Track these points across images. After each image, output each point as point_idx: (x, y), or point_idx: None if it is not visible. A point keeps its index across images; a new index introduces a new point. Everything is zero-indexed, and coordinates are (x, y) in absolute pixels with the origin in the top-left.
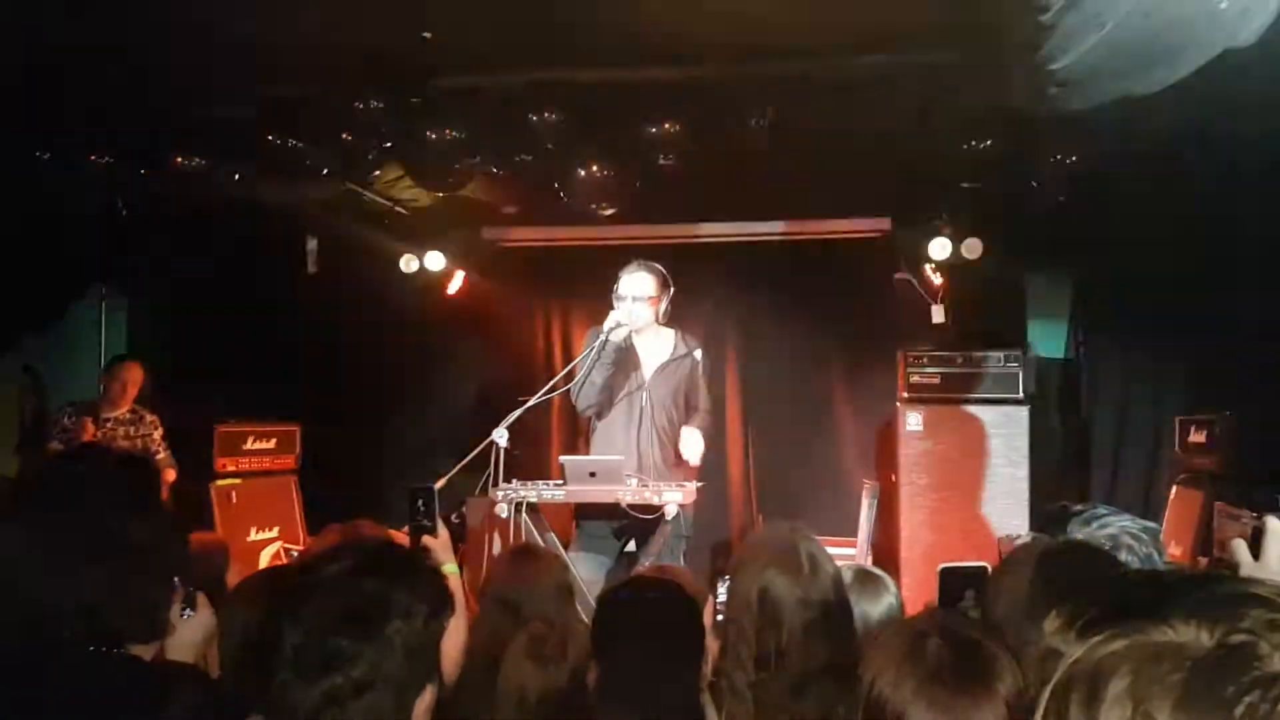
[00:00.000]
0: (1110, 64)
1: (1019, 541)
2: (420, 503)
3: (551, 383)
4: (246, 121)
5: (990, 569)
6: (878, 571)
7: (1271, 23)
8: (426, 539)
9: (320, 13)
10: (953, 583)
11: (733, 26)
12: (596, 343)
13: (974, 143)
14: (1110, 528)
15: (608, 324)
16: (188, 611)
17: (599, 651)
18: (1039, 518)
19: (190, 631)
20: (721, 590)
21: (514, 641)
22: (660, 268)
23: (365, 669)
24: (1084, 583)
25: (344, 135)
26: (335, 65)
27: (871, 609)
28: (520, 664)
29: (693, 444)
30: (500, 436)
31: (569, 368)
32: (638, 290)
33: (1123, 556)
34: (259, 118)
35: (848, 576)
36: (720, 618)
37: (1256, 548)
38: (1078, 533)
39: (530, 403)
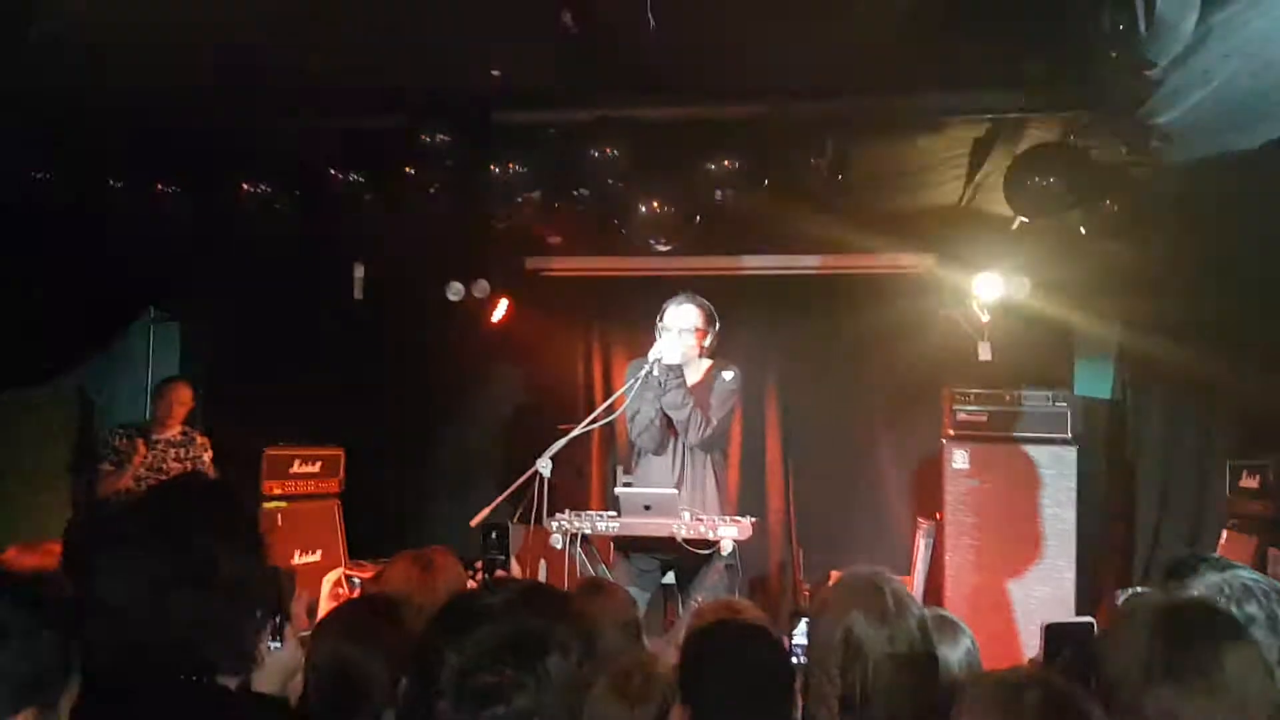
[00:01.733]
0: (1215, 120)
1: (1126, 596)
2: (494, 535)
3: (593, 414)
4: (310, 152)
5: (1095, 625)
6: (952, 616)
7: None
8: (500, 574)
9: (387, 47)
10: (1057, 638)
11: (798, 64)
12: (639, 375)
13: (1039, 179)
14: (1244, 577)
15: (651, 355)
16: (275, 644)
17: (687, 692)
18: (1167, 563)
19: (276, 663)
20: (798, 632)
21: (598, 681)
22: (706, 301)
23: (527, 700)
24: (1207, 652)
25: (407, 168)
26: (400, 99)
27: (951, 653)
28: (606, 703)
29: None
30: (544, 466)
31: (611, 399)
32: (685, 321)
33: (1251, 609)
34: (321, 150)
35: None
36: (800, 659)
37: None
38: (1212, 577)
39: (574, 433)
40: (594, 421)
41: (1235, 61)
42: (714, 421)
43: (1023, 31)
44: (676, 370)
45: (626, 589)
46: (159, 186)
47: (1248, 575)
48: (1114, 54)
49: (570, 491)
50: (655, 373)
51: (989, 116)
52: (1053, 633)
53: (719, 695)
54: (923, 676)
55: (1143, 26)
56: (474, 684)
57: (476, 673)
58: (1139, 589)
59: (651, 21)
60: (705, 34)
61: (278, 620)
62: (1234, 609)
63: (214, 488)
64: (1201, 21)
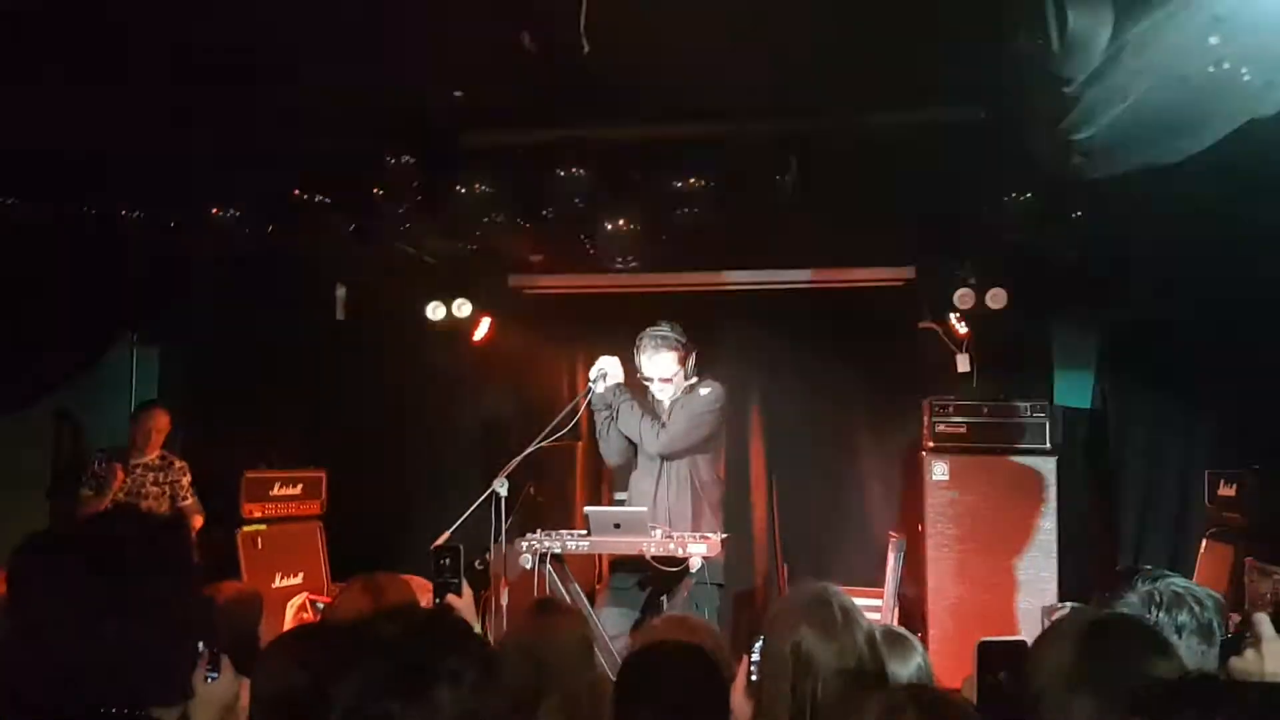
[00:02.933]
0: (1134, 135)
1: (1061, 612)
2: (445, 561)
3: (544, 433)
4: (278, 176)
5: (1028, 643)
6: (905, 632)
7: None
8: (451, 598)
9: (352, 70)
10: (991, 656)
11: (758, 83)
12: (584, 394)
13: (1014, 195)
14: (1176, 585)
15: (593, 372)
16: (212, 675)
17: (620, 712)
18: (1117, 577)
19: (213, 695)
20: (756, 650)
21: (547, 700)
22: (675, 335)
23: None
24: (1129, 663)
25: (374, 190)
26: (367, 122)
27: (901, 669)
28: None
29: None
30: (500, 486)
31: (559, 418)
32: (661, 371)
33: (1182, 617)
34: (289, 173)
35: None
36: (754, 677)
37: None
38: (1145, 587)
39: (524, 453)
40: (542, 440)
41: (1150, 77)
42: (668, 426)
43: (956, 49)
44: (621, 390)
45: (602, 610)
46: (123, 211)
47: (1181, 584)
48: (1030, 71)
49: (559, 511)
50: (599, 392)
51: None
52: (986, 651)
53: (650, 717)
54: (870, 691)
55: (1056, 44)
56: (362, 718)
57: (363, 706)
58: (1071, 604)
59: (585, 46)
60: (663, 54)
61: (214, 651)
62: (1164, 617)
63: (147, 520)
64: (1115, 38)
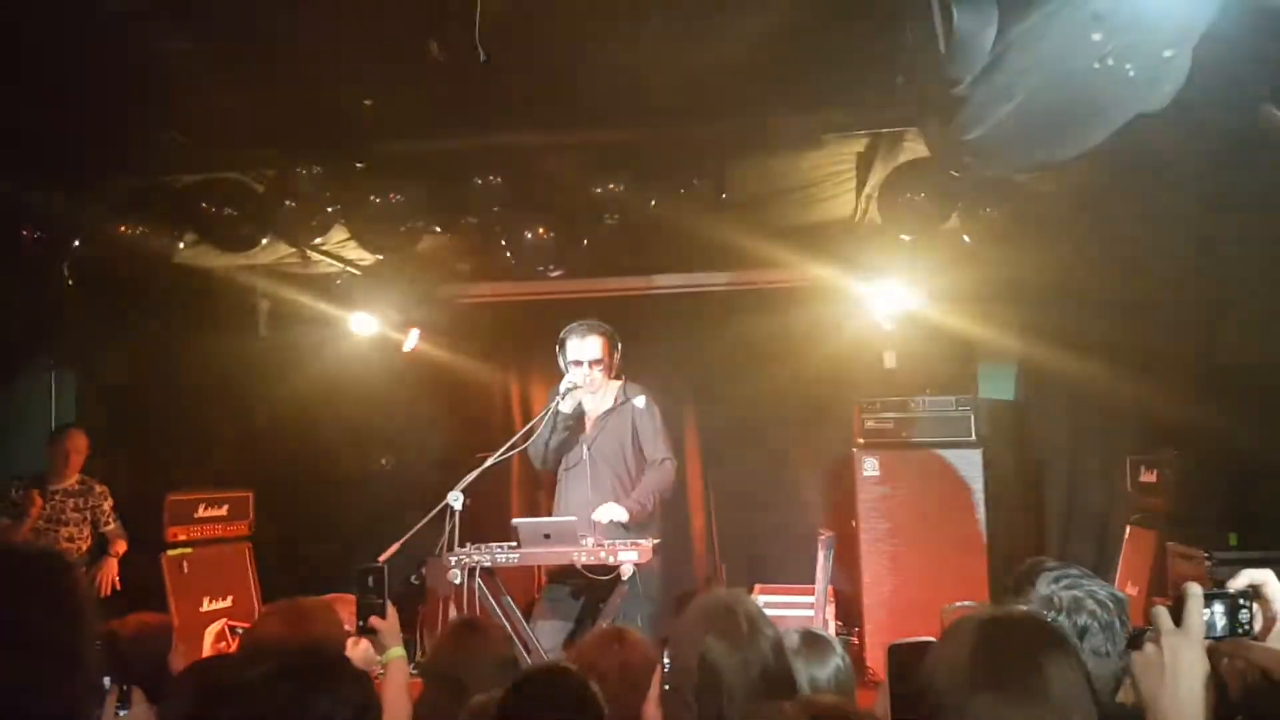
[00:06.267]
0: (1023, 134)
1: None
2: (370, 581)
3: (510, 442)
4: (186, 188)
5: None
6: (825, 633)
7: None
8: (374, 620)
9: (262, 79)
10: (902, 658)
11: (670, 88)
12: (550, 405)
13: (909, 195)
14: (1077, 590)
15: (563, 386)
16: (121, 710)
17: None
18: (1014, 574)
19: None
20: (666, 659)
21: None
22: (604, 325)
23: None
24: (1025, 660)
25: (286, 201)
26: (276, 131)
27: (819, 672)
28: None
29: (604, 512)
30: (455, 500)
31: (526, 428)
32: (590, 353)
33: (1083, 620)
34: (197, 186)
35: (794, 640)
36: (666, 686)
37: (1178, 615)
38: (1044, 589)
39: (487, 464)
40: (510, 450)
41: (1036, 75)
42: (658, 459)
43: (861, 50)
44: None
45: (537, 624)
46: (23, 232)
47: (1084, 586)
48: (917, 70)
49: (494, 522)
50: (567, 401)
51: (834, 135)
52: (896, 654)
53: None
54: (779, 697)
55: (942, 44)
56: None
57: None
58: (966, 603)
59: (483, 55)
60: (576, 58)
61: (124, 688)
62: (1064, 620)
63: (37, 555)
64: (1000, 36)
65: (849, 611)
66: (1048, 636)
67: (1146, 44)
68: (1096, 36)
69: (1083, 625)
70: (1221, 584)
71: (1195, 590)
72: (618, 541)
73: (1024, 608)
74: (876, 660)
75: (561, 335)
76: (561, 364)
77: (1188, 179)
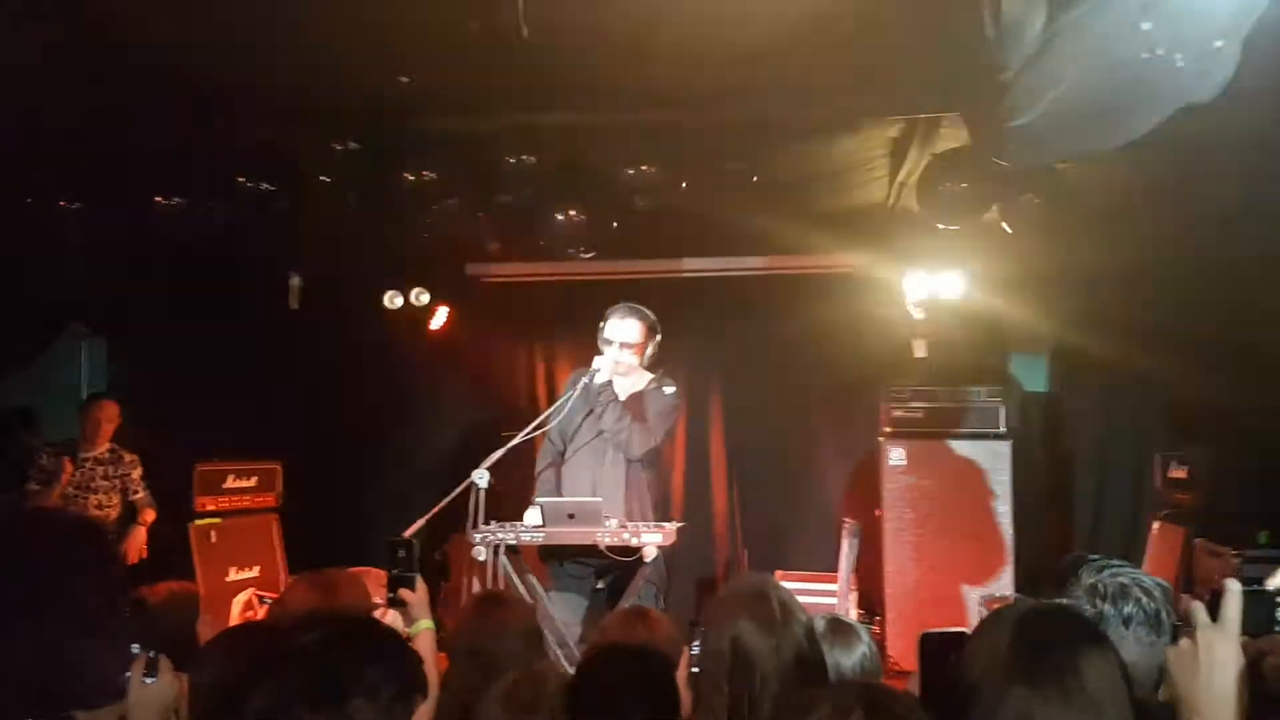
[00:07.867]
0: (1068, 122)
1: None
2: (400, 553)
3: (535, 422)
4: (224, 162)
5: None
6: (851, 621)
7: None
8: (404, 593)
9: (297, 56)
10: (933, 648)
11: (707, 71)
12: (576, 387)
13: (949, 184)
14: (1123, 576)
15: (593, 368)
16: (149, 677)
17: (574, 710)
18: (1057, 567)
19: (150, 698)
20: (696, 642)
21: (488, 692)
22: (649, 313)
23: None
24: (1062, 654)
25: (321, 177)
26: (313, 108)
27: (844, 659)
28: (494, 715)
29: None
30: (480, 478)
31: (552, 408)
32: (624, 336)
33: (1129, 608)
34: (234, 160)
35: (820, 626)
36: (695, 669)
37: (1215, 610)
38: (1089, 579)
39: (512, 443)
40: (535, 429)
41: (1083, 63)
42: (656, 434)
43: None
44: (608, 388)
45: (553, 594)
46: (60, 203)
47: (1129, 574)
48: (966, 57)
49: (518, 500)
50: (593, 385)
51: (871, 119)
52: (929, 643)
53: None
54: (811, 683)
55: (991, 30)
56: None
57: (275, 713)
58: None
59: (524, 30)
60: (615, 40)
61: (151, 654)
62: (1110, 608)
63: (70, 521)
64: (1049, 23)
65: (871, 601)
66: (1085, 631)
67: (1197, 34)
68: (1146, 26)
69: (1128, 614)
70: (1259, 581)
71: (1235, 586)
72: (640, 524)
73: (1063, 601)
74: (898, 650)
75: (606, 312)
76: (602, 330)
77: (1229, 169)
